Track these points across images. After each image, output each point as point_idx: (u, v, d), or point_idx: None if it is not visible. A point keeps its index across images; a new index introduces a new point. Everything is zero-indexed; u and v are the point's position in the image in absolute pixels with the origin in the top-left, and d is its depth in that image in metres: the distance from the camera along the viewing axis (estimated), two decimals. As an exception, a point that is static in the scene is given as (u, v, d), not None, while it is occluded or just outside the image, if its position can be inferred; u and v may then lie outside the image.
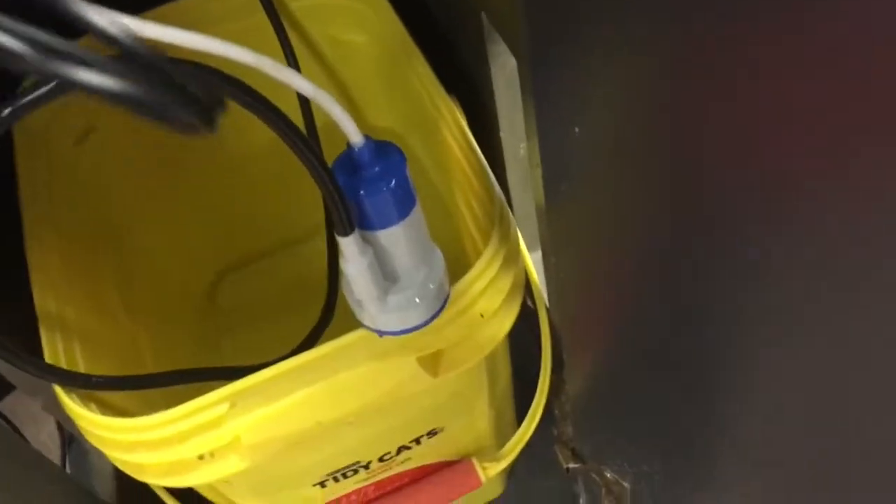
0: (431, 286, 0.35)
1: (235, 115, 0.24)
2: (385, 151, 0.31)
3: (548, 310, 0.54)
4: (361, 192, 0.30)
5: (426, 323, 0.35)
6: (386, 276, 0.34)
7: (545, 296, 0.54)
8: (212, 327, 0.67)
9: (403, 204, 0.32)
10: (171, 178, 0.63)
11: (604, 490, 0.53)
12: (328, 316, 0.51)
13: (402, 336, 0.38)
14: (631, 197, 0.33)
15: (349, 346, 0.39)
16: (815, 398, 0.28)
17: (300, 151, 0.27)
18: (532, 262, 0.55)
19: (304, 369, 0.39)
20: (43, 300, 0.43)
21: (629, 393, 0.46)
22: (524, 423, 0.52)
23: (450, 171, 0.50)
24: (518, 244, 0.43)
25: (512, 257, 0.41)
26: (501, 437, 0.55)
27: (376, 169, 0.31)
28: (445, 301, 0.36)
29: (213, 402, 0.38)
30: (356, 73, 0.60)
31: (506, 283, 0.41)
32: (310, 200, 0.48)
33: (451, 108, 0.47)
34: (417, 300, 0.34)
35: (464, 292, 0.39)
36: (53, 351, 0.42)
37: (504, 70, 0.49)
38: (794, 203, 0.22)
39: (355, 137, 0.30)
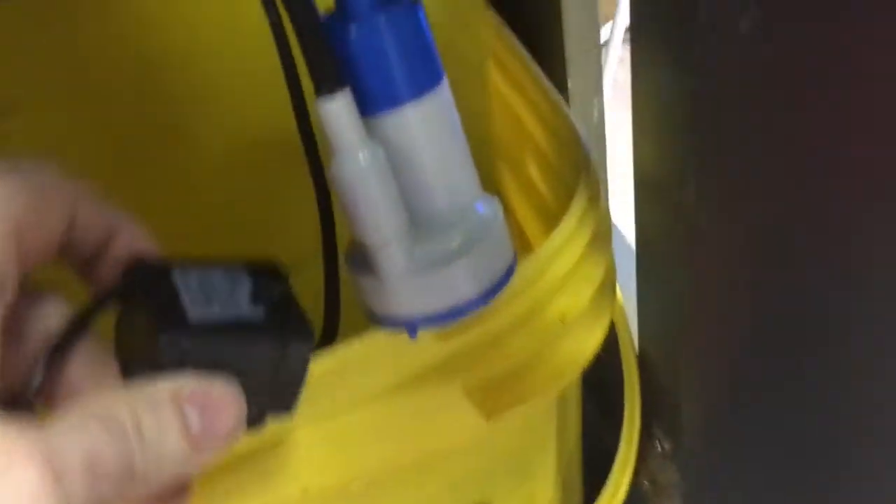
0: (485, 234, 0.20)
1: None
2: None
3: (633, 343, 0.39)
4: (352, 33, 0.17)
5: (484, 300, 0.20)
6: (408, 208, 0.20)
7: (632, 321, 0.39)
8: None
9: (417, 70, 0.18)
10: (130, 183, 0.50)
11: None
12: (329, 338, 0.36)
13: (443, 348, 0.24)
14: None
15: (355, 360, 0.24)
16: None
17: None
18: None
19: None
20: None
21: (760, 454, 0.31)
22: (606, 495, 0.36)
23: (499, 122, 0.36)
24: (609, 214, 0.28)
25: (603, 233, 0.27)
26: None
27: (379, 17, 0.19)
28: (511, 270, 0.21)
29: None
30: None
31: (596, 270, 0.26)
32: (299, 221, 0.33)
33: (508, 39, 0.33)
34: (462, 253, 0.20)
35: (536, 279, 0.25)
36: None
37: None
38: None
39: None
